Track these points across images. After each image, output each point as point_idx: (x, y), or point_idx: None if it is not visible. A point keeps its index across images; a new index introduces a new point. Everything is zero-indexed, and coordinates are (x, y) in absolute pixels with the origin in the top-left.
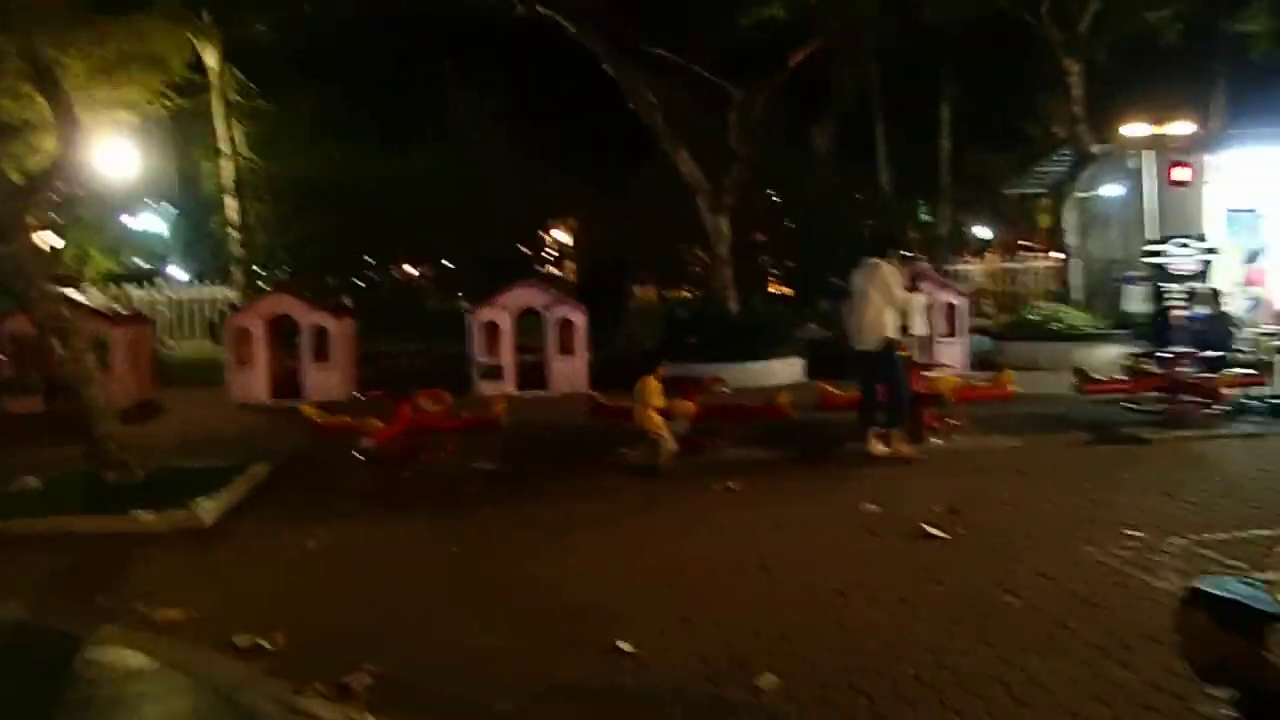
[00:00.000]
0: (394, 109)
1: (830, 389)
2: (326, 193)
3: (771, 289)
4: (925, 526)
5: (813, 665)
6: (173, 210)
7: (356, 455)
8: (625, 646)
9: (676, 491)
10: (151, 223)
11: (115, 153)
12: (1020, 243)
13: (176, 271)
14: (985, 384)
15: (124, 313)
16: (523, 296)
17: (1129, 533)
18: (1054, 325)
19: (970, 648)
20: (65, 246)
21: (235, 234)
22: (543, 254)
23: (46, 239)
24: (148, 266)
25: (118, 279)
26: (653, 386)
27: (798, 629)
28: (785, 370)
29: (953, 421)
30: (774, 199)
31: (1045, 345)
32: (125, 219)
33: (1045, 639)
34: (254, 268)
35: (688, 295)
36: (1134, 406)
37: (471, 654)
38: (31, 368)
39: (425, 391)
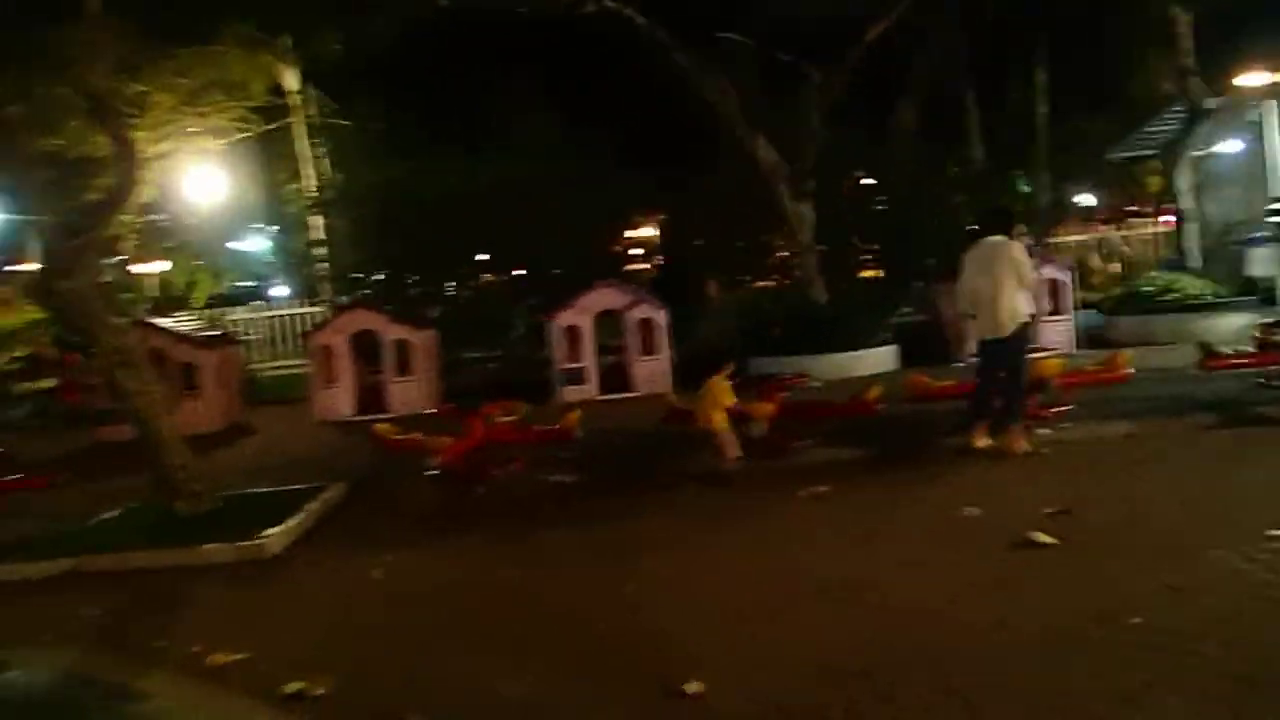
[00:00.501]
0: (462, 119)
1: (924, 379)
2: (402, 206)
3: (863, 274)
4: (1032, 534)
5: (898, 711)
6: (275, 231)
7: (428, 473)
8: (692, 689)
9: (755, 501)
10: (257, 244)
11: (205, 180)
12: (1128, 209)
13: (280, 291)
14: (1097, 366)
15: (213, 336)
16: (601, 298)
17: (1271, 533)
18: (1170, 295)
19: (1083, 685)
20: (173, 271)
21: (320, 251)
22: (628, 252)
23: (155, 267)
24: (252, 286)
25: (222, 301)
26: (720, 387)
27: (884, 664)
28: (877, 359)
29: (1058, 409)
30: (860, 181)
31: (1161, 318)
32: (232, 243)
33: (1175, 669)
34: (337, 283)
35: (772, 285)
36: (1266, 382)
37: (523, 703)
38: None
39: (497, 403)
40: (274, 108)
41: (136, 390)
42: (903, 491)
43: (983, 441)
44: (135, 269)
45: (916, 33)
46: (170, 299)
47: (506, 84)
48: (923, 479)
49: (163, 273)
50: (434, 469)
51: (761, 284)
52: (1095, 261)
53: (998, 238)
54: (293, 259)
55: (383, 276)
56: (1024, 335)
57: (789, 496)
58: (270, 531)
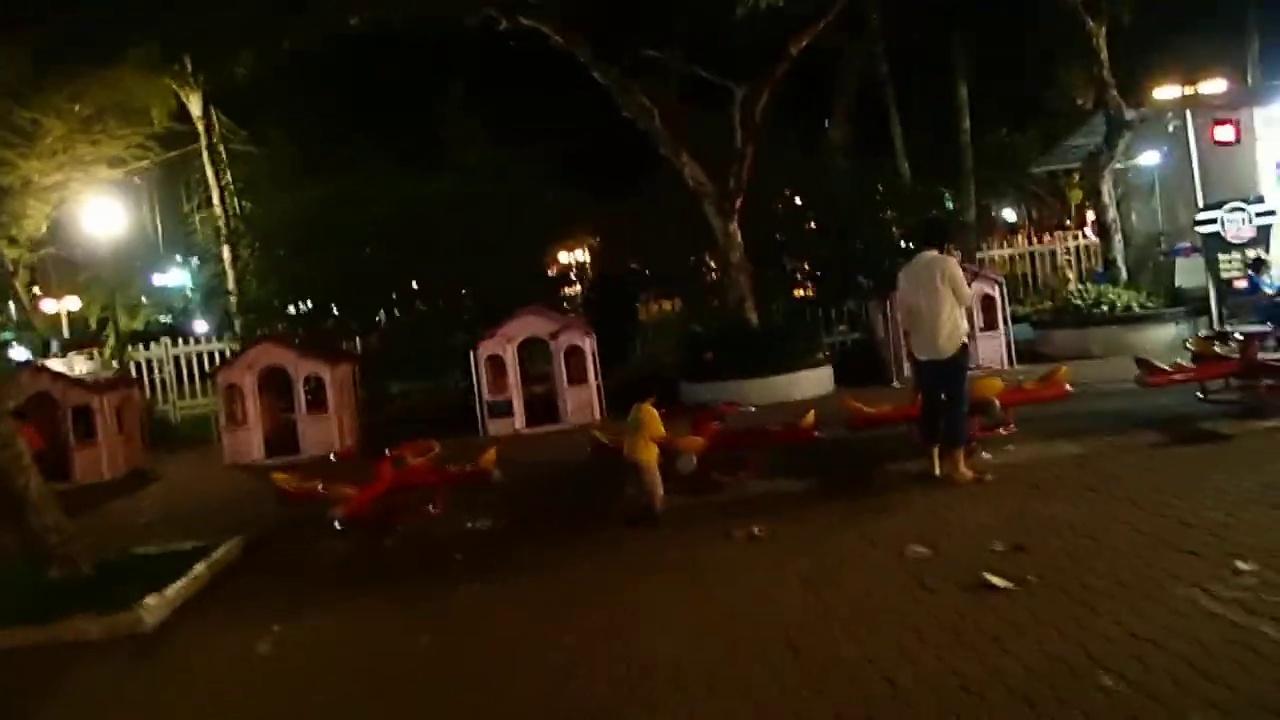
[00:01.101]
0: (383, 140)
1: (859, 405)
2: (317, 233)
3: (796, 293)
4: (987, 576)
5: None
6: (193, 263)
7: (334, 525)
8: None
9: (688, 543)
10: (176, 278)
11: (105, 211)
12: (1058, 223)
13: (200, 326)
14: (1037, 384)
15: (111, 378)
16: (525, 325)
17: (1240, 565)
18: (1102, 307)
19: None
20: (87, 307)
21: (230, 283)
22: (560, 275)
23: (65, 304)
24: (168, 323)
25: (137, 338)
26: (648, 416)
27: None
28: (814, 381)
29: (1002, 431)
30: (790, 199)
31: (1094, 331)
32: (153, 276)
33: None
34: (250, 316)
35: (705, 307)
36: (1204, 397)
37: None
38: None
39: (409, 444)
40: (177, 134)
41: None
42: (844, 529)
43: (939, 469)
44: (44, 306)
45: (839, 50)
46: (81, 337)
47: (427, 101)
48: (865, 513)
49: (73, 311)
50: (338, 520)
51: (693, 306)
52: (1068, 272)
53: (932, 253)
54: (206, 293)
55: (301, 308)
56: (964, 355)
57: (723, 538)
58: (149, 601)
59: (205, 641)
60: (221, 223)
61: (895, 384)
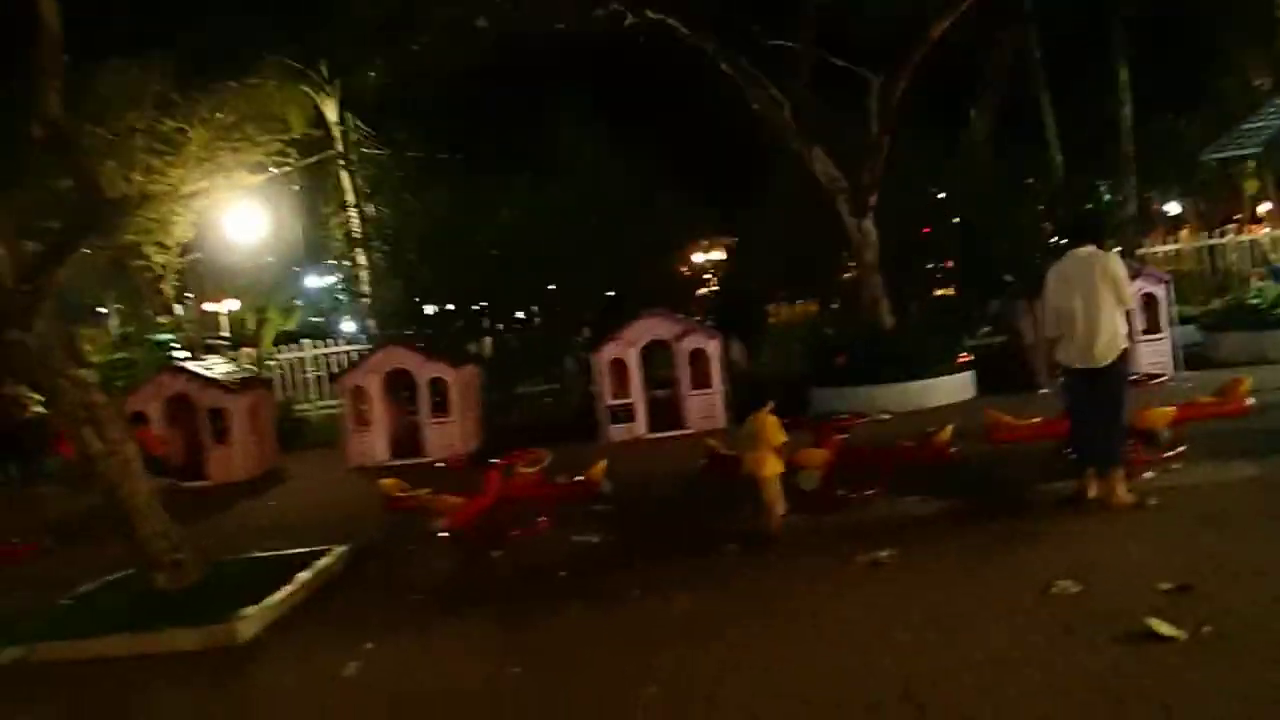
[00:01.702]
0: (508, 145)
1: (1002, 417)
2: (444, 238)
3: (935, 294)
4: (1151, 623)
5: None
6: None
7: (439, 535)
8: None
9: (805, 570)
10: (326, 280)
11: (247, 216)
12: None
13: (348, 327)
14: (1212, 399)
15: (245, 379)
16: (649, 328)
17: None
18: None
19: None
20: (242, 310)
21: (365, 286)
22: (694, 278)
23: (224, 305)
24: (320, 322)
25: (290, 338)
26: (767, 424)
27: None
28: (953, 387)
29: (1172, 453)
30: (929, 194)
31: (1272, 334)
32: (305, 279)
33: None
34: (382, 319)
35: (836, 309)
36: None
37: None
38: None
39: (520, 452)
40: (315, 141)
41: (103, 451)
42: (982, 559)
43: (1094, 491)
44: (207, 307)
45: (987, 33)
46: (241, 336)
47: (553, 106)
48: (1006, 542)
49: (232, 312)
50: (442, 531)
51: (826, 308)
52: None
53: (1088, 249)
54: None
55: (430, 311)
56: (1125, 363)
57: (844, 564)
58: (247, 612)
59: (295, 658)
60: (356, 225)
61: (1043, 390)
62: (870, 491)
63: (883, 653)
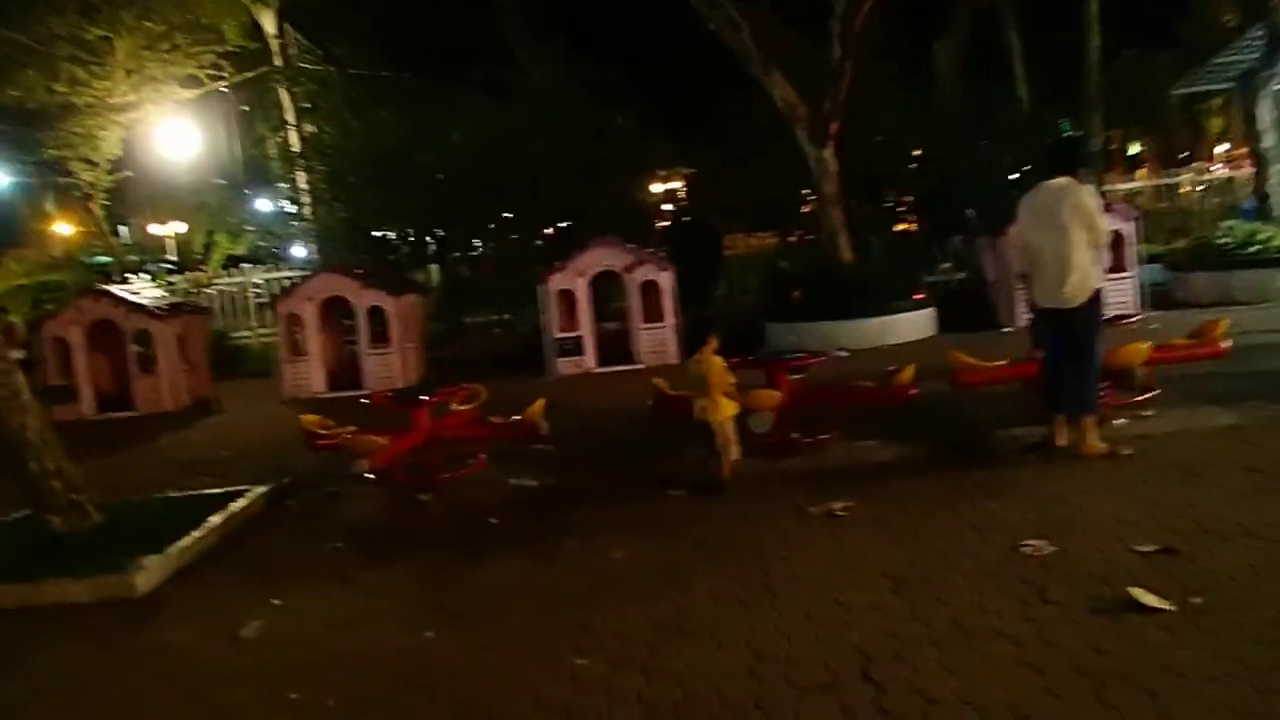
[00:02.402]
0: (453, 62)
1: (967, 359)
2: (392, 164)
3: (896, 228)
4: (1133, 592)
5: None
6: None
7: (365, 475)
8: None
9: (756, 520)
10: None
11: (177, 133)
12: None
13: (300, 252)
14: (1188, 341)
15: (175, 304)
16: (598, 257)
17: None
18: (1253, 248)
19: None
20: (190, 232)
21: (303, 210)
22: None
23: (169, 228)
24: (270, 248)
25: (237, 262)
26: (713, 366)
27: None
28: (913, 325)
29: (1144, 396)
30: (891, 126)
31: (1243, 274)
32: (258, 201)
33: None
34: (323, 244)
35: (793, 242)
36: None
37: None
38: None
39: (453, 388)
40: (252, 54)
41: None
42: (945, 512)
43: (1064, 439)
44: (152, 230)
45: None
46: (187, 260)
47: (504, 17)
48: (971, 492)
49: (179, 234)
50: (363, 473)
51: (785, 242)
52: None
53: (1061, 180)
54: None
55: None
56: (1097, 304)
57: (798, 516)
58: (147, 561)
59: (194, 614)
60: (295, 145)
61: (1006, 329)
62: (826, 436)
63: (838, 620)
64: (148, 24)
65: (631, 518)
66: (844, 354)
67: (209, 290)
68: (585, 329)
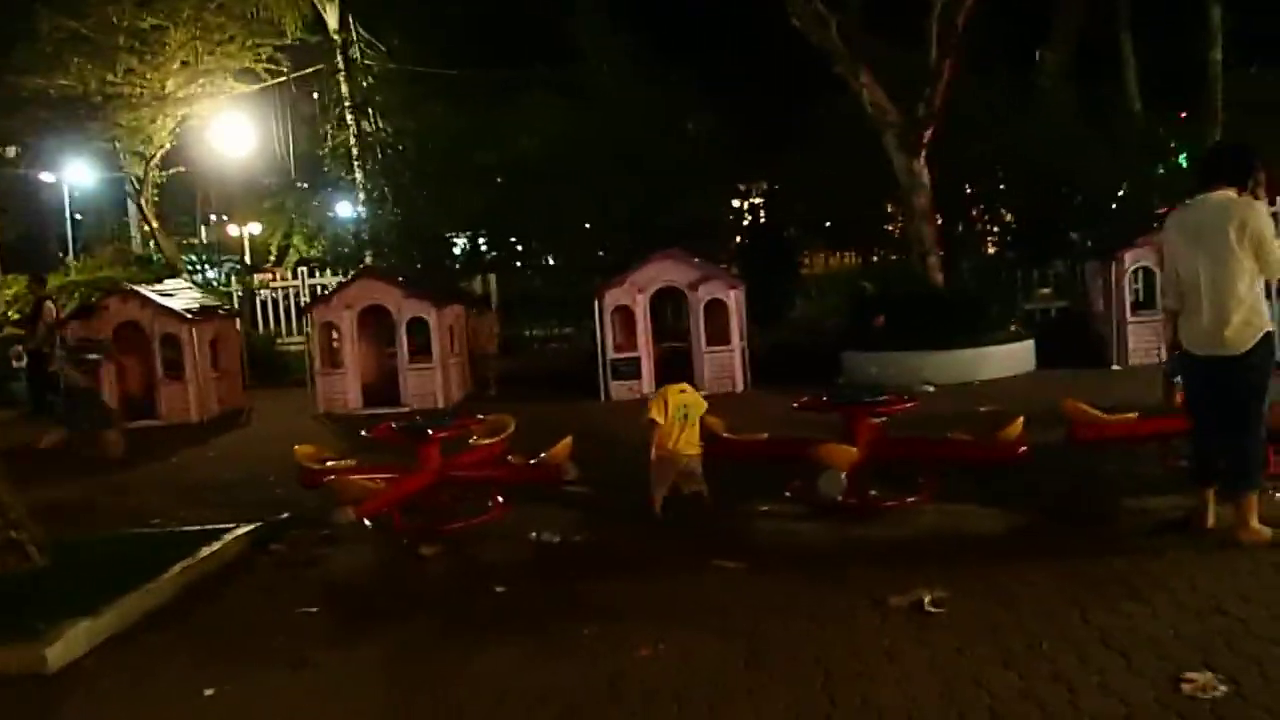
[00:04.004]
0: (521, 60)
1: (1089, 410)
2: (450, 160)
3: (991, 250)
4: None
5: None
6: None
7: (361, 523)
8: None
9: (821, 614)
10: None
11: (228, 127)
12: None
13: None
14: None
15: (206, 308)
16: (660, 272)
17: None
18: None
19: None
20: (266, 234)
21: (361, 212)
22: (727, 221)
23: (248, 229)
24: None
25: (310, 265)
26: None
27: None
28: (1009, 358)
29: None
30: (991, 137)
31: None
32: (338, 205)
33: None
34: (376, 250)
35: (877, 262)
36: None
37: None
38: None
39: (466, 419)
40: (313, 49)
41: None
42: (1073, 615)
43: (1214, 519)
44: (231, 230)
45: None
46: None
47: (568, 20)
48: (1104, 588)
49: (255, 236)
50: (352, 519)
51: (868, 261)
52: None
53: (1227, 193)
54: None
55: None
56: (1267, 351)
57: (878, 609)
58: (69, 627)
59: (103, 703)
60: (353, 144)
61: (1115, 367)
62: (913, 498)
63: None
64: (205, 15)
65: (667, 597)
66: (930, 389)
67: (263, 292)
68: (643, 350)
